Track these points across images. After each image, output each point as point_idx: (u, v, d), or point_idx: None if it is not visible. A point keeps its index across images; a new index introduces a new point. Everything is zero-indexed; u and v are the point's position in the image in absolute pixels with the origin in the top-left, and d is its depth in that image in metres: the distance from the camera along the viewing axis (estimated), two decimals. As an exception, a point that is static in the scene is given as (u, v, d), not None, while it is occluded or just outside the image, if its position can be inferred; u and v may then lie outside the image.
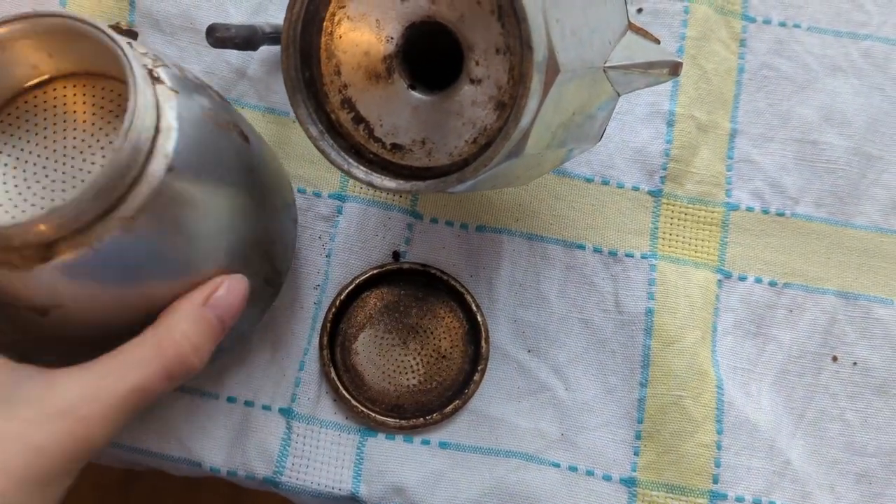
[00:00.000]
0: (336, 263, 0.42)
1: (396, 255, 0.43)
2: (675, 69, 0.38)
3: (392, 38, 0.33)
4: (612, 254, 0.43)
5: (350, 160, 0.33)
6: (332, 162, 0.33)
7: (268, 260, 0.37)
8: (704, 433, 0.40)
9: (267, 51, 0.44)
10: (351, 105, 0.34)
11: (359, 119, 0.34)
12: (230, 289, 0.32)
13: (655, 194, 0.44)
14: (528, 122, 0.30)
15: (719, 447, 0.40)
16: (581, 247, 0.43)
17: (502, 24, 0.31)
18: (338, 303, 0.41)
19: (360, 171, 0.33)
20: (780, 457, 0.40)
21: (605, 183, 0.44)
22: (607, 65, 0.34)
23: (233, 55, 0.44)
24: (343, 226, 0.43)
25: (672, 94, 0.45)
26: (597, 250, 0.43)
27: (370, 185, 0.32)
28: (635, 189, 0.44)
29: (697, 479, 0.39)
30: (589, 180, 0.44)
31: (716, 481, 0.39)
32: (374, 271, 0.42)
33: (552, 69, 0.30)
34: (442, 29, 0.32)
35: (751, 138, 0.46)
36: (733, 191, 0.45)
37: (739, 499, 0.39)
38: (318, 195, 0.43)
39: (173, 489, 1.04)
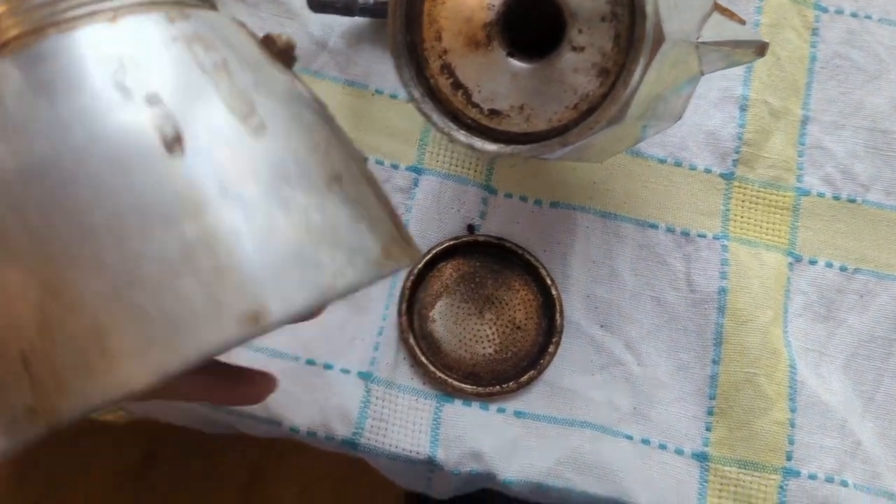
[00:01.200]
0: (412, 234, 0.43)
1: (471, 228, 0.43)
2: (761, 49, 0.38)
3: (493, 6, 0.34)
4: (685, 234, 0.44)
5: (450, 124, 0.34)
6: (434, 124, 0.33)
7: None
8: (778, 410, 0.40)
9: (348, 23, 0.45)
10: (450, 71, 0.35)
11: (457, 85, 0.34)
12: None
13: (727, 177, 0.45)
14: (633, 88, 0.31)
15: (793, 425, 0.40)
16: (654, 226, 0.44)
17: (609, -9, 0.31)
18: (416, 271, 0.41)
19: (461, 135, 0.34)
20: (851, 437, 0.40)
21: (678, 164, 0.45)
22: (700, 40, 0.35)
23: (315, 26, 0.45)
24: (419, 198, 0.43)
25: (745, 80, 0.46)
26: (669, 230, 0.44)
27: (470, 147, 0.33)
28: (707, 171, 0.45)
29: (771, 456, 0.39)
30: (662, 161, 0.45)
31: (789, 458, 0.40)
32: (451, 242, 0.42)
33: (658, 38, 0.31)
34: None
35: (822, 125, 0.46)
36: (804, 176, 0.45)
37: (812, 476, 0.39)
38: (395, 167, 0.44)
39: (189, 477, 1.05)
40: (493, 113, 0.34)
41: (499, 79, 0.34)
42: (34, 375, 0.21)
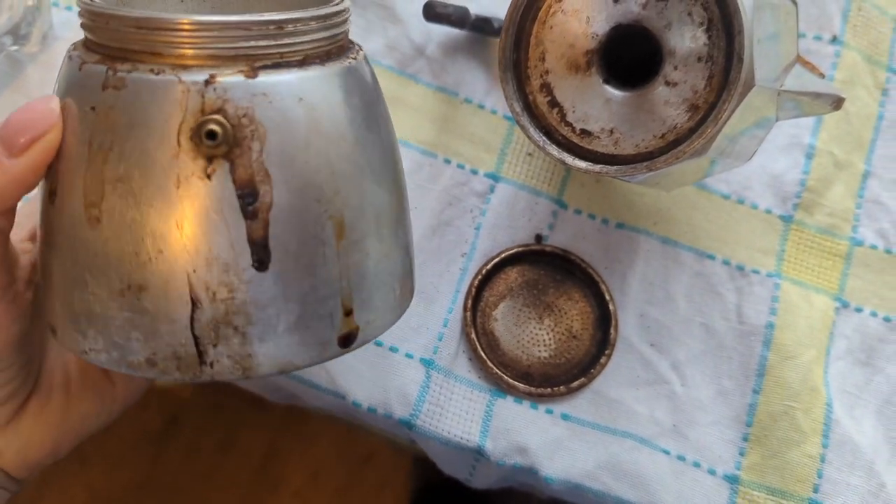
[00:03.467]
0: (484, 237, 0.45)
1: (539, 238, 0.46)
2: (838, 104, 0.41)
3: (596, 35, 0.37)
4: (740, 268, 0.46)
5: (544, 138, 0.37)
6: (530, 137, 0.36)
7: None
8: (811, 445, 0.42)
9: (447, 34, 0.48)
10: (549, 90, 0.37)
11: (554, 103, 0.37)
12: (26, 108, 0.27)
13: (786, 219, 0.47)
14: (721, 126, 0.34)
15: (823, 460, 0.42)
16: (711, 257, 0.46)
17: (709, 35, 0.34)
18: (484, 271, 0.44)
19: (553, 149, 0.36)
20: (876, 479, 0.42)
21: (741, 202, 0.47)
22: (782, 88, 0.37)
23: (416, 33, 0.48)
24: (494, 203, 0.46)
25: (814, 129, 0.48)
26: (725, 262, 0.46)
27: (562, 162, 0.36)
28: (768, 212, 0.47)
29: (799, 486, 0.42)
30: (726, 197, 0.47)
31: (816, 490, 0.42)
32: (519, 249, 0.45)
33: (749, 82, 0.33)
34: (644, 33, 0.36)
35: (882, 182, 0.48)
36: (860, 227, 0.47)
37: (836, 511, 0.41)
38: (474, 172, 0.47)
39: (205, 449, 1.08)
40: (584, 133, 0.37)
41: (593, 102, 0.37)
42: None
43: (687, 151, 0.33)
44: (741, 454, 0.43)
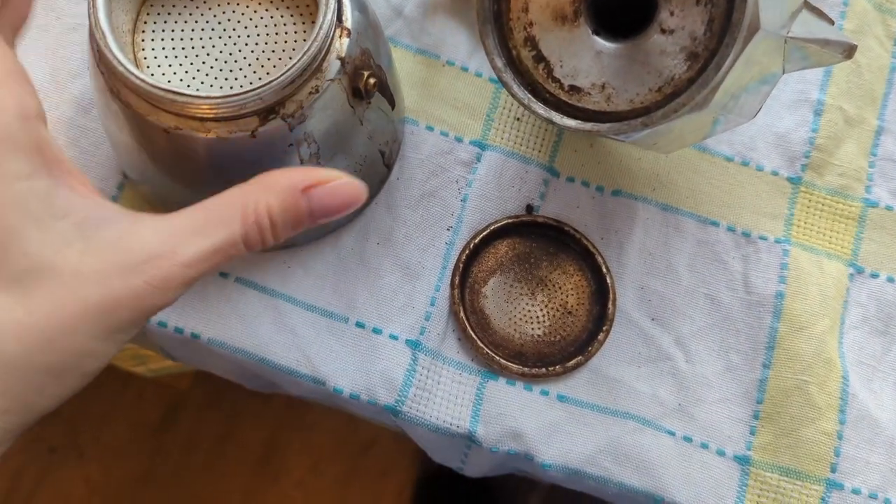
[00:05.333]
0: (471, 209, 0.42)
1: (530, 209, 0.43)
2: (850, 51, 0.37)
3: (582, -18, 0.33)
4: (746, 234, 0.43)
5: (530, 95, 0.33)
6: (514, 95, 0.33)
7: (382, 156, 0.40)
8: (827, 421, 0.39)
9: (425, -8, 0.45)
10: (534, 43, 0.34)
11: (540, 58, 0.34)
12: (337, 193, 0.27)
13: (794, 181, 0.44)
14: (724, 74, 0.30)
15: (840, 437, 0.39)
16: (715, 224, 0.43)
17: (708, -26, 0.31)
18: (472, 245, 0.41)
19: (540, 107, 0.33)
20: (898, 456, 0.40)
21: (745, 164, 0.44)
22: (789, 34, 0.34)
23: (393, -8, 0.45)
24: (481, 173, 0.43)
25: (823, 84, 0.45)
26: (730, 229, 0.43)
27: (549, 121, 0.33)
28: (774, 174, 0.44)
29: (815, 466, 0.39)
30: (729, 159, 0.44)
31: (833, 470, 0.39)
32: (510, 220, 0.42)
33: (754, 25, 0.30)
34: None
35: (896, 138, 0.45)
36: (874, 188, 0.44)
37: (856, 491, 0.39)
38: (459, 140, 0.44)
39: (205, 441, 1.06)
40: (574, 89, 0.34)
41: (582, 55, 0.34)
42: None
43: (686, 104, 0.30)
44: (752, 433, 0.40)
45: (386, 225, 0.42)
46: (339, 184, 0.27)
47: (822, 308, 0.41)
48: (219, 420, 1.07)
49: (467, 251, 0.41)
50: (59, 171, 0.24)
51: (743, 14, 0.29)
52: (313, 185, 0.27)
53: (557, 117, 0.33)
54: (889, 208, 0.44)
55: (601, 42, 0.33)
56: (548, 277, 0.42)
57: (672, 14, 0.32)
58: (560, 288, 0.42)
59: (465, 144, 0.44)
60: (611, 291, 0.41)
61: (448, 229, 0.42)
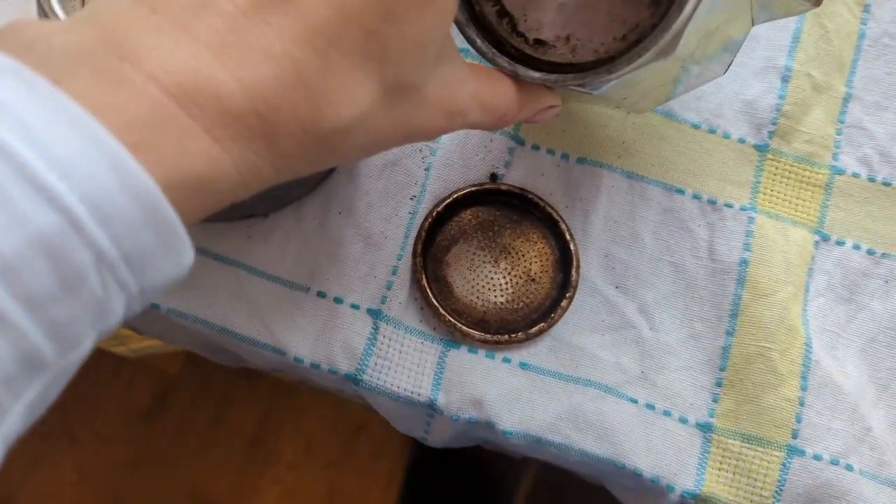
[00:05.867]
0: (434, 177, 0.42)
1: (494, 177, 0.43)
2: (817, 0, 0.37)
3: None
4: (712, 202, 0.43)
5: (494, 50, 0.33)
6: (478, 50, 0.33)
7: None
8: (788, 388, 0.39)
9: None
10: None
11: (503, 13, 0.34)
12: (543, 114, 0.34)
13: (761, 148, 0.44)
14: (686, 17, 0.30)
15: (802, 403, 0.39)
16: (681, 191, 0.43)
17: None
18: (435, 213, 0.41)
19: (504, 61, 0.33)
20: (861, 422, 0.39)
21: (712, 131, 0.44)
22: None
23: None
24: (444, 141, 0.43)
25: (790, 50, 0.44)
26: (696, 197, 0.43)
27: (514, 74, 0.32)
28: (741, 141, 0.44)
29: (776, 432, 0.39)
30: (696, 126, 0.44)
31: (795, 436, 0.39)
32: (473, 188, 0.42)
33: None
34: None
35: (864, 105, 0.45)
36: (841, 155, 0.44)
37: (817, 457, 0.39)
38: (422, 108, 0.43)
39: (196, 425, 1.06)
40: (539, 43, 0.33)
41: (546, 8, 0.33)
42: None
43: (650, 48, 0.30)
44: (714, 400, 0.40)
45: (348, 195, 0.41)
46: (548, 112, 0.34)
47: (786, 275, 0.41)
48: (209, 404, 1.08)
49: (430, 219, 0.41)
50: None
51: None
52: (534, 111, 0.33)
53: (522, 70, 0.33)
54: (856, 175, 0.44)
55: None
56: (511, 245, 0.41)
57: (630, -36, 0.31)
58: (524, 255, 0.41)
59: (429, 113, 0.43)
60: (574, 259, 0.41)
61: (412, 199, 0.42)
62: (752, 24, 0.35)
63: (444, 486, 1.02)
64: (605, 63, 0.31)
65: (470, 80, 0.28)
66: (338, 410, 1.07)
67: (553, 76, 0.32)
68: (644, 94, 0.35)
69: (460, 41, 0.31)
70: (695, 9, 0.29)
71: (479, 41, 0.33)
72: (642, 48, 0.29)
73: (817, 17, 0.45)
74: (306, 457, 1.07)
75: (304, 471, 1.06)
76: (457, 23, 0.33)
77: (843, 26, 0.45)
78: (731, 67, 0.43)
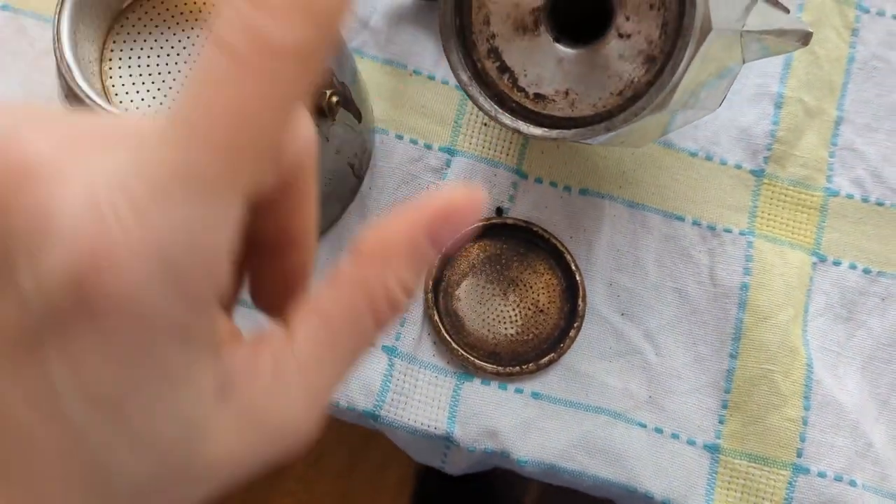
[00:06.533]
0: (442, 213, 0.43)
1: (500, 211, 0.44)
2: (805, 39, 0.38)
3: (539, -8, 0.34)
4: (711, 228, 0.44)
5: (496, 107, 0.34)
6: (480, 107, 0.34)
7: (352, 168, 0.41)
8: (792, 408, 0.41)
9: (390, 3, 0.46)
10: (497, 54, 0.35)
11: (504, 68, 0.35)
12: (464, 215, 0.20)
13: (757, 174, 0.45)
14: (680, 76, 0.31)
15: (805, 423, 0.41)
16: (681, 218, 0.44)
17: (657, -18, 0.32)
18: (444, 249, 0.42)
19: (506, 118, 0.34)
20: (863, 438, 0.41)
21: (709, 159, 0.45)
22: (744, 28, 0.35)
23: (358, 3, 0.46)
24: (451, 178, 0.44)
25: (782, 77, 0.46)
26: (696, 223, 0.44)
27: (516, 131, 0.34)
28: (738, 167, 0.45)
29: (781, 452, 0.40)
30: (693, 154, 0.45)
31: (800, 455, 0.40)
32: (480, 223, 0.43)
33: (706, 27, 0.31)
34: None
35: (856, 127, 0.46)
36: (834, 177, 0.45)
37: (822, 474, 0.40)
38: (429, 147, 0.44)
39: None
40: (539, 97, 0.35)
41: (545, 63, 0.35)
42: None
43: (646, 107, 0.31)
44: (721, 422, 0.41)
45: (353, 238, 0.43)
46: (459, 208, 0.20)
47: (786, 298, 0.42)
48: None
49: (440, 255, 0.42)
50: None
51: (693, 18, 0.30)
52: (434, 224, 0.20)
53: (524, 126, 0.34)
54: (850, 197, 0.45)
55: (562, 49, 0.34)
56: (519, 277, 0.43)
57: (628, 19, 0.33)
58: (531, 287, 0.43)
59: (435, 151, 0.44)
60: (580, 288, 0.42)
61: (420, 235, 0.43)
62: (744, 62, 0.36)
63: (453, 495, 1.03)
64: (604, 117, 0.32)
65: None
66: (346, 422, 1.08)
67: (554, 132, 0.33)
68: (639, 137, 0.36)
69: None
70: (687, 66, 0.30)
71: (481, 99, 0.35)
72: (639, 107, 0.31)
73: (808, 46, 0.46)
74: (315, 468, 1.08)
75: (313, 482, 1.07)
76: (460, 82, 0.34)
77: (832, 51, 0.47)
78: (727, 95, 0.45)
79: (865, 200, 0.45)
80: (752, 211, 0.44)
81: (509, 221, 0.43)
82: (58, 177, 0.15)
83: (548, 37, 0.34)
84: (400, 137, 0.44)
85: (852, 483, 0.40)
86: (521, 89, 0.35)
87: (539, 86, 0.35)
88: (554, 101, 0.34)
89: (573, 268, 0.43)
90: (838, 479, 0.40)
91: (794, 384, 0.41)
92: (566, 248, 0.43)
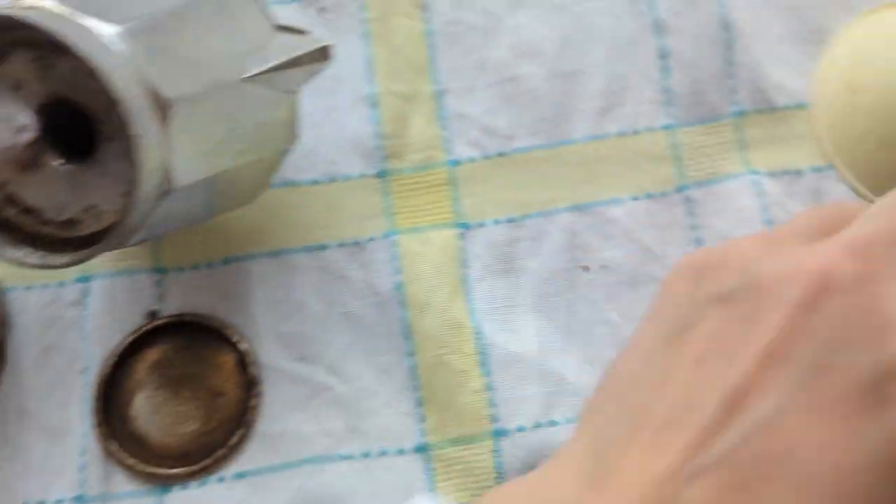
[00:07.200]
0: (94, 344, 0.43)
1: (154, 314, 0.44)
2: (323, 53, 0.39)
3: (25, 126, 0.34)
4: (356, 243, 0.45)
5: (24, 251, 0.34)
6: (24, 265, 0.34)
7: None
8: (473, 379, 0.41)
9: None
10: (16, 200, 0.35)
11: (27, 210, 0.35)
12: None
13: (381, 175, 0.46)
14: (154, 165, 0.32)
15: (490, 388, 0.41)
16: (324, 247, 0.45)
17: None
18: (103, 376, 0.42)
19: (35, 258, 0.34)
20: (552, 377, 0.42)
21: (333, 180, 0.46)
22: (244, 76, 0.36)
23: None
24: (94, 306, 0.44)
25: (368, 77, 0.47)
26: (341, 245, 0.45)
27: (47, 267, 0.33)
28: (362, 177, 0.46)
29: (478, 425, 0.41)
30: (316, 182, 0.46)
31: (494, 420, 0.41)
32: (131, 337, 0.43)
33: (162, 105, 0.32)
34: (73, 107, 0.34)
35: (457, 94, 0.47)
36: (454, 148, 0.47)
37: (520, 428, 0.41)
38: (61, 285, 0.44)
39: None
40: (68, 223, 0.35)
41: (60, 188, 0.35)
42: None
43: (131, 210, 0.32)
44: (422, 420, 0.42)
45: (17, 401, 0.42)
46: None
47: (438, 279, 0.43)
48: None
49: (100, 384, 0.42)
50: None
51: (127, 112, 0.30)
52: None
53: (51, 258, 0.34)
54: (472, 160, 0.46)
55: (70, 168, 0.34)
56: (188, 372, 0.43)
57: (102, 121, 0.33)
58: (202, 375, 0.42)
59: (68, 286, 0.44)
60: (248, 355, 0.42)
61: (81, 373, 0.43)
62: (294, 94, 0.38)
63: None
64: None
65: None
66: None
67: (82, 252, 0.33)
68: (244, 192, 0.37)
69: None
70: (163, 154, 0.31)
71: (20, 253, 0.34)
72: (127, 210, 0.31)
73: (382, 38, 0.48)
74: None
75: None
76: None
77: (409, 34, 0.48)
78: (327, 113, 0.46)
79: (487, 157, 0.46)
80: (388, 212, 0.45)
81: (160, 322, 0.43)
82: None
83: (54, 163, 0.34)
84: (29, 288, 0.44)
85: (552, 423, 0.41)
86: (50, 222, 0.35)
87: (63, 212, 0.35)
88: (82, 220, 0.34)
89: (235, 339, 0.43)
90: (537, 426, 0.41)
91: (467, 357, 0.42)
92: (223, 323, 0.43)
